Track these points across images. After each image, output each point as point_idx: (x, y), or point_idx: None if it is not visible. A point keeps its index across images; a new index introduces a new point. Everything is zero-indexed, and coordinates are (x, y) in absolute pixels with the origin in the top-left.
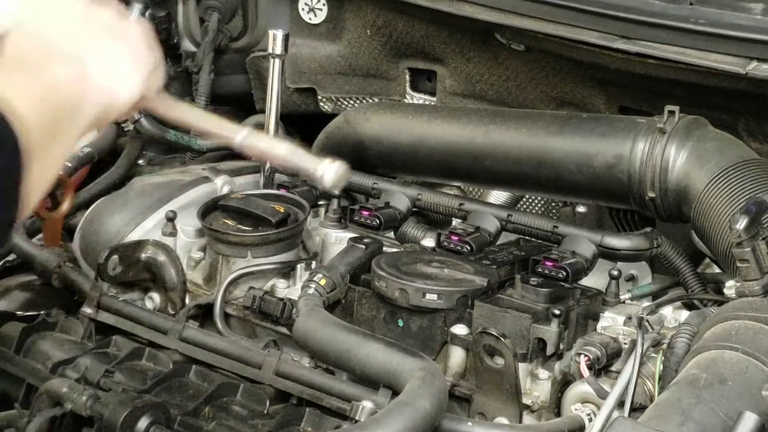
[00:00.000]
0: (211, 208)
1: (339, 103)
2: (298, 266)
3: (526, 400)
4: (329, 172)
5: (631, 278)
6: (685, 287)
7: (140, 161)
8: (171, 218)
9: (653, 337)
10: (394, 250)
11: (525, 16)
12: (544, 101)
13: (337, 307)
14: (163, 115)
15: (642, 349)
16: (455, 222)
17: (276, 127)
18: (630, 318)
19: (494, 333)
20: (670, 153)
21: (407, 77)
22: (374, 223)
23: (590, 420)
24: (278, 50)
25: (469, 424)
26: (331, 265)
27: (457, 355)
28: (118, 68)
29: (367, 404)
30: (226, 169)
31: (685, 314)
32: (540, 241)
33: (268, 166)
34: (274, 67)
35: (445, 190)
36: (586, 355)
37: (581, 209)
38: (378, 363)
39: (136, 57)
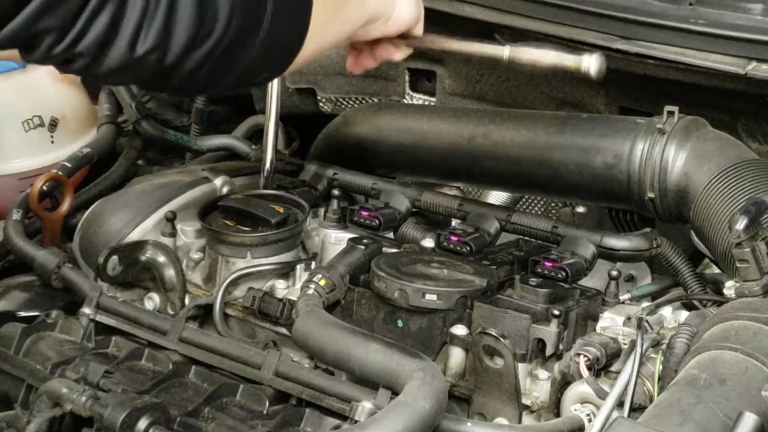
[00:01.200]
0: (210, 209)
1: (339, 104)
2: (298, 267)
3: (525, 401)
4: (594, 63)
5: (631, 279)
6: (685, 288)
7: (140, 161)
8: (171, 219)
9: (653, 338)
10: (394, 250)
11: (525, 16)
12: (544, 101)
13: (336, 307)
14: (430, 48)
15: (641, 350)
16: (455, 222)
17: (276, 128)
18: (629, 318)
19: (494, 333)
20: (670, 153)
21: (407, 77)
22: (374, 224)
23: (590, 420)
24: None
25: (469, 424)
26: (330, 265)
27: (456, 356)
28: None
29: (367, 405)
30: (226, 169)
31: (684, 314)
32: (539, 241)
33: (268, 166)
34: None
35: (445, 190)
36: (585, 356)
37: (581, 209)
38: (377, 363)
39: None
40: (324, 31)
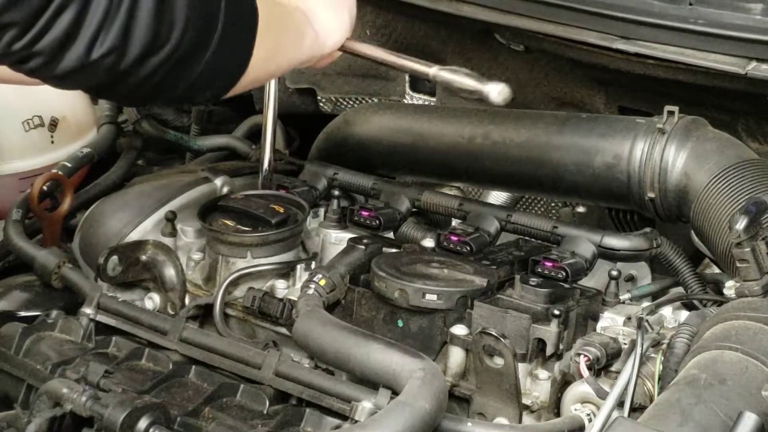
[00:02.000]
0: (210, 209)
1: (339, 104)
2: (298, 266)
3: (525, 401)
4: (494, 89)
5: (631, 278)
6: (685, 287)
7: (140, 161)
8: (171, 219)
9: (653, 338)
10: (394, 250)
11: (525, 16)
12: (544, 101)
13: (336, 307)
14: (362, 55)
15: (642, 349)
16: (455, 222)
17: (274, 127)
18: (630, 318)
19: (494, 333)
20: (670, 153)
21: (407, 77)
22: (374, 224)
23: (590, 420)
24: None
25: (469, 424)
26: (330, 265)
27: (456, 356)
28: (330, 26)
29: (367, 404)
30: (226, 169)
31: (684, 314)
32: (540, 241)
33: (266, 166)
34: None
35: (445, 190)
36: (585, 356)
37: (581, 209)
38: (378, 363)
39: (341, 12)
40: (264, 64)
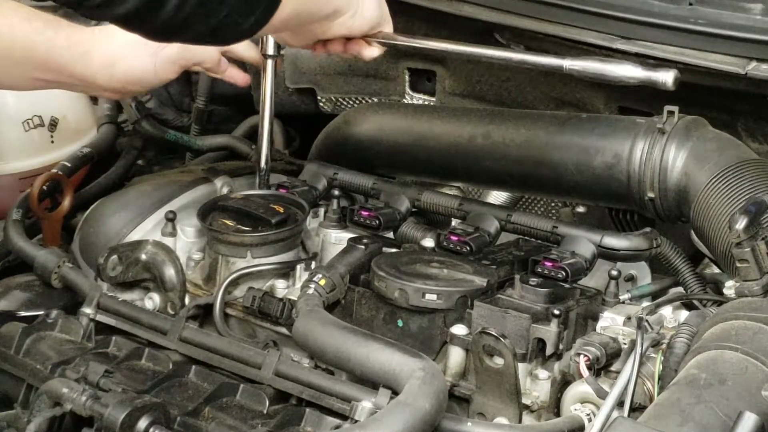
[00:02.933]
0: (210, 209)
1: (339, 104)
2: (298, 266)
3: (525, 400)
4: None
5: (631, 278)
6: (685, 287)
7: (140, 161)
8: (171, 218)
9: (653, 337)
10: (394, 250)
11: (525, 16)
12: (543, 101)
13: (336, 307)
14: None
15: (641, 349)
16: (455, 222)
17: (270, 127)
18: (629, 318)
19: (494, 333)
20: (670, 153)
21: (407, 77)
22: (374, 224)
23: (590, 420)
24: (270, 50)
25: (469, 424)
26: (330, 265)
27: (456, 355)
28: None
29: (367, 404)
30: (226, 169)
31: (684, 314)
32: (539, 241)
33: (263, 165)
34: (267, 68)
35: (445, 190)
36: (585, 355)
37: (581, 209)
38: (378, 363)
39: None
40: (295, 5)
